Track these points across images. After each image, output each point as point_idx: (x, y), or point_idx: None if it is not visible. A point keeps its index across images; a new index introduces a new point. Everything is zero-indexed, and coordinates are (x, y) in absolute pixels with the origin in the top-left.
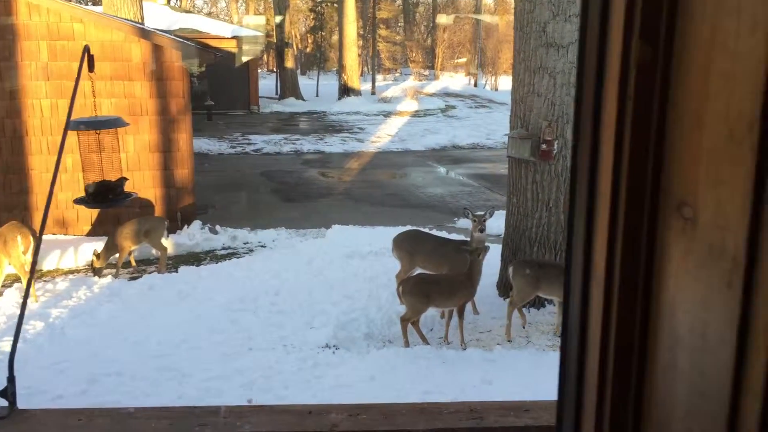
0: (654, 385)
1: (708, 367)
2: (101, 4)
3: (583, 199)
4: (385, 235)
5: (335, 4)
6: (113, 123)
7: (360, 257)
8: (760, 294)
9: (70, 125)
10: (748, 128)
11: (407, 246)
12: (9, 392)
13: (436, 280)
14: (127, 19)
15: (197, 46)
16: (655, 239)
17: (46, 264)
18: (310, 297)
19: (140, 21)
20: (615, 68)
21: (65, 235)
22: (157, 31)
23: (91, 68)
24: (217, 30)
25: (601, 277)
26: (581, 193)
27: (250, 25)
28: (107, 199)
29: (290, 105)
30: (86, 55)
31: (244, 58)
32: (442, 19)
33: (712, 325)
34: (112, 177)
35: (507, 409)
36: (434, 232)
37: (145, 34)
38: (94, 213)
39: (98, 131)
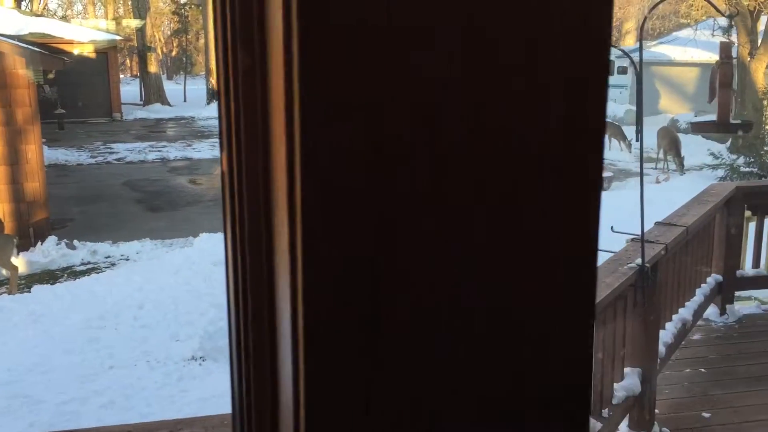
0: (277, 375)
1: (281, 360)
2: None
3: (227, 202)
4: None
5: (200, 7)
6: None
7: None
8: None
9: None
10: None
11: None
12: None
13: None
14: None
15: (45, 51)
16: (272, 241)
17: None
18: (176, 309)
19: None
20: (230, 76)
21: None
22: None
23: None
24: (72, 34)
25: (233, 276)
26: (226, 197)
27: (109, 29)
28: None
29: (156, 111)
30: None
31: (102, 63)
32: None
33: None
34: None
35: None
36: None
37: None
38: None
39: None
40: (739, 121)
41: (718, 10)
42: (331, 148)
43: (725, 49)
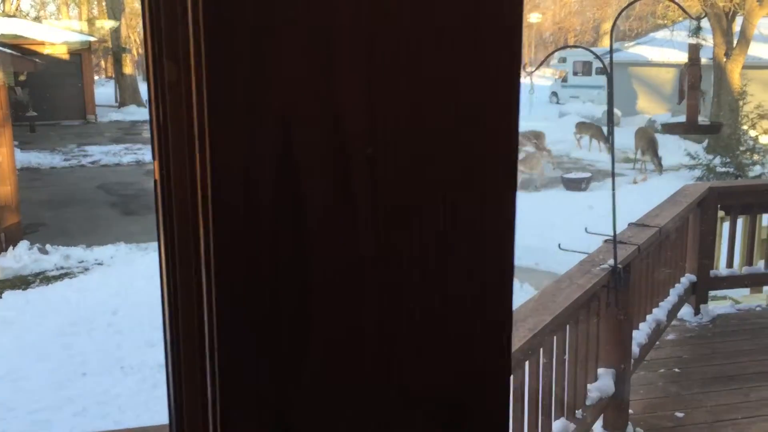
0: (206, 387)
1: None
2: None
3: (159, 212)
4: None
5: None
6: None
7: None
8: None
9: None
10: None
11: None
12: None
13: None
14: None
15: (16, 53)
16: (199, 247)
17: None
18: (151, 313)
19: None
20: (159, 86)
21: None
22: None
23: None
24: (45, 35)
25: (166, 287)
26: (159, 206)
27: (83, 30)
28: None
29: (131, 113)
30: None
31: (76, 65)
32: None
33: None
34: None
35: None
36: None
37: None
38: None
39: None
40: (708, 122)
41: (685, 12)
42: (240, 162)
43: (693, 51)
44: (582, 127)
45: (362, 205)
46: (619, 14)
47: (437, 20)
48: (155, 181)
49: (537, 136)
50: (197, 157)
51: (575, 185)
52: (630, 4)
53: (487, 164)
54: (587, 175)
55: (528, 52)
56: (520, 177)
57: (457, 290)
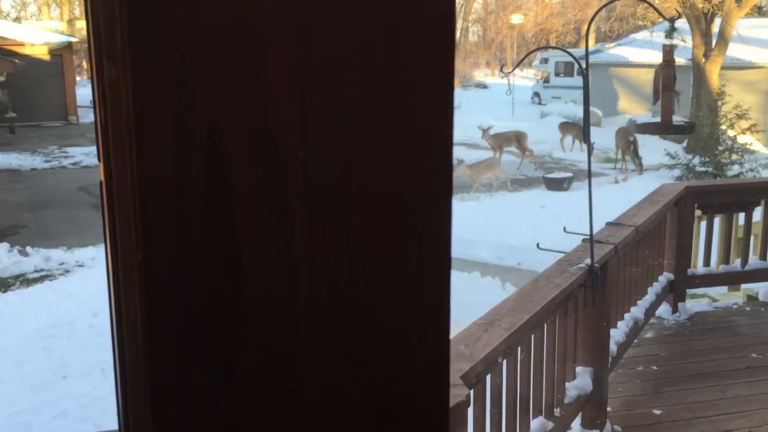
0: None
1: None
2: None
3: (105, 214)
4: None
5: None
6: None
7: None
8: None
9: None
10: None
11: None
12: None
13: None
14: None
15: None
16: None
17: None
18: None
19: None
20: (101, 87)
21: None
22: None
23: None
24: (25, 36)
25: (113, 288)
26: (104, 209)
27: (64, 30)
28: None
29: None
30: None
31: (57, 65)
32: None
33: None
34: None
35: None
36: None
37: None
38: None
39: None
40: (682, 123)
41: (659, 13)
42: (168, 162)
43: (668, 52)
44: (565, 127)
45: (295, 206)
46: (594, 16)
47: (370, 16)
48: (101, 183)
49: (519, 137)
50: (128, 155)
51: (557, 185)
52: (606, 5)
53: (421, 168)
54: (569, 175)
55: (510, 53)
56: (484, 179)
57: (392, 290)
